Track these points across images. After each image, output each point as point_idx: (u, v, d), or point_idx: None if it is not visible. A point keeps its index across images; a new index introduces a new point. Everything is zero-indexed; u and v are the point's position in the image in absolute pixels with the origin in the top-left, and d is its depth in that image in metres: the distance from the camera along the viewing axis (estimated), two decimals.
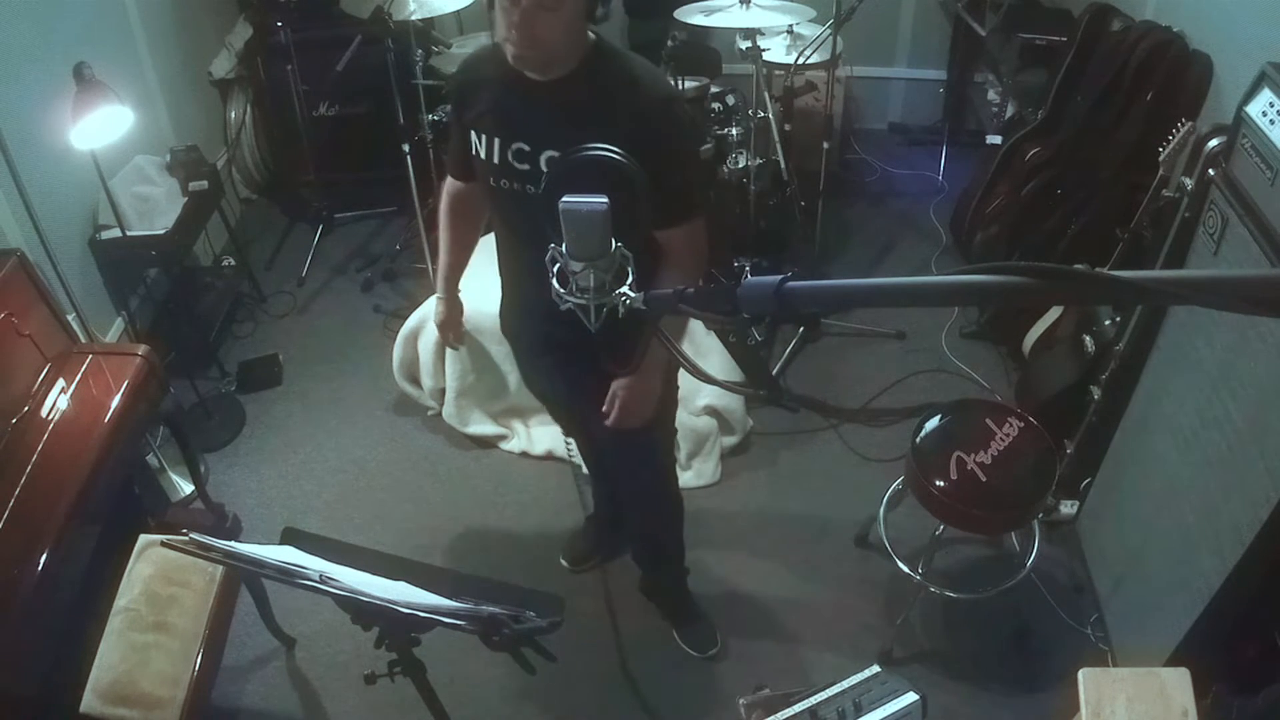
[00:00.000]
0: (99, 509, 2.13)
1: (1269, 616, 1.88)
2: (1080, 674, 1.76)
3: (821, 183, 3.50)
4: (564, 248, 1.02)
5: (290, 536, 1.70)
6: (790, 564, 2.75)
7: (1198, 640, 1.97)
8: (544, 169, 1.70)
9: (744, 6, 3.04)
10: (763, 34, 3.28)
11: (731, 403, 3.07)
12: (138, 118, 2.72)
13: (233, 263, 3.79)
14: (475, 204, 2.03)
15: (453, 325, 2.27)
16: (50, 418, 2.18)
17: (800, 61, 3.36)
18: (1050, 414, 2.56)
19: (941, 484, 2.19)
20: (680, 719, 2.41)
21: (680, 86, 3.21)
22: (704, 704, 2.42)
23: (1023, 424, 2.29)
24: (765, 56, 3.30)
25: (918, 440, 2.30)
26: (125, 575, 2.14)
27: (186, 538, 1.56)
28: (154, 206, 3.21)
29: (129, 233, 2.93)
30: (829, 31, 3.24)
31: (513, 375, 3.07)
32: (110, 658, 2.01)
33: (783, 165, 3.51)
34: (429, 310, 3.09)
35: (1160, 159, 2.20)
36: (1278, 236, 1.76)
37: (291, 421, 3.30)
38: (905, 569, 2.47)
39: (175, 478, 2.96)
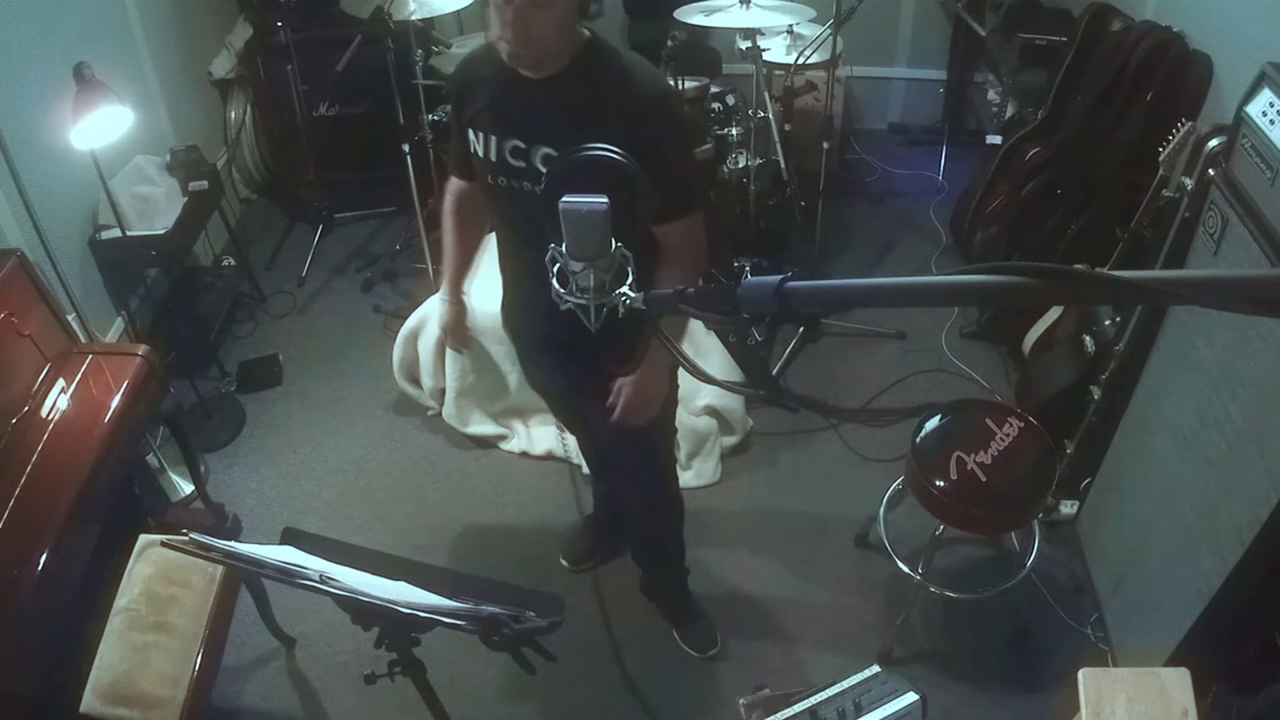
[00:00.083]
0: (99, 509, 2.13)
1: (1269, 616, 1.88)
2: (1080, 674, 1.76)
3: (821, 183, 3.50)
4: (564, 248, 1.02)
5: (290, 536, 1.70)
6: (790, 564, 2.75)
7: (1198, 640, 1.97)
8: (539, 166, 1.71)
9: (744, 6, 3.04)
10: (763, 34, 3.28)
11: (731, 403, 3.07)
12: (138, 118, 2.72)
13: (233, 263, 3.79)
14: (478, 204, 2.03)
15: (458, 329, 2.26)
16: (50, 418, 2.18)
17: (800, 61, 3.36)
18: (1050, 414, 2.56)
19: (941, 484, 2.19)
20: (680, 719, 2.41)
21: (680, 86, 3.21)
22: (704, 704, 2.42)
23: (1023, 424, 2.29)
24: (765, 56, 3.30)
25: (918, 440, 2.30)
26: (125, 575, 2.14)
27: (186, 538, 1.56)
28: (154, 206, 3.21)
29: (129, 233, 2.93)
30: (829, 31, 3.24)
31: (513, 375, 3.07)
32: (110, 658, 2.01)
33: (783, 165, 3.51)
34: (429, 310, 3.10)
35: (1160, 159, 2.20)
36: (1278, 236, 1.76)
37: (291, 421, 3.30)
38: (905, 569, 2.47)
39: (175, 478, 2.96)
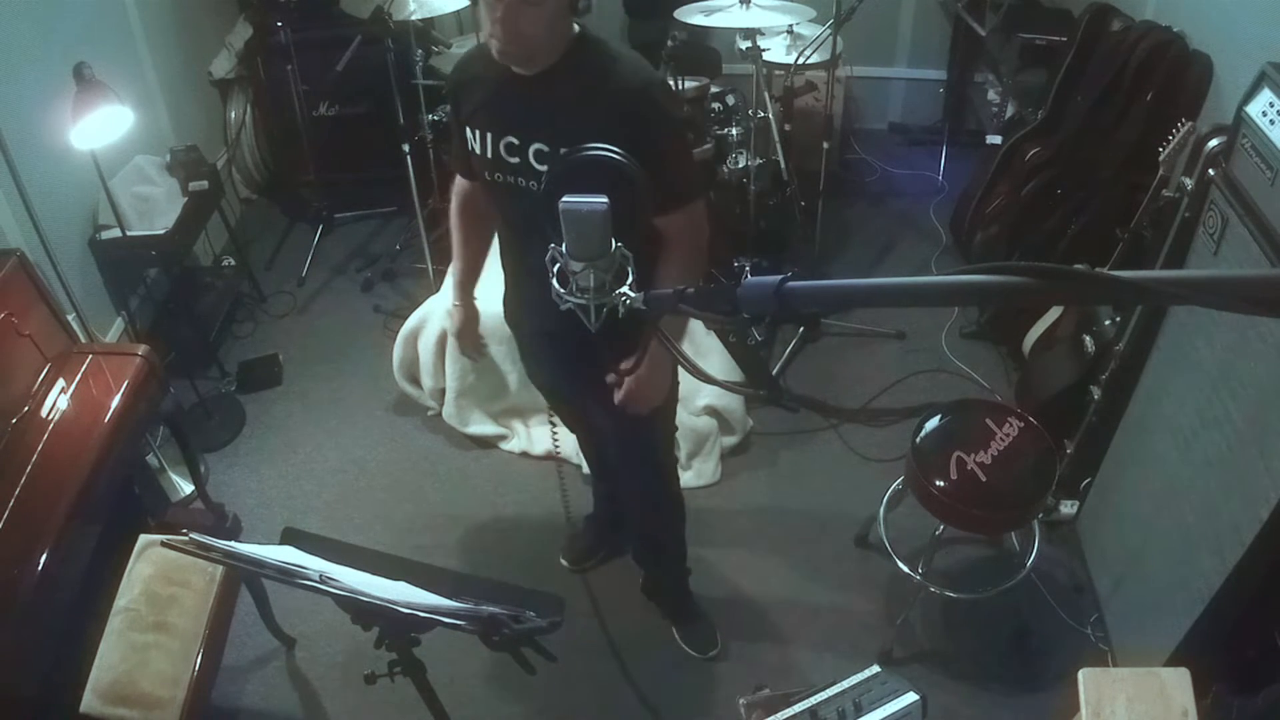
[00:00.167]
0: (99, 509, 2.13)
1: (1269, 616, 1.88)
2: (1080, 674, 1.76)
3: (821, 183, 3.50)
4: (564, 247, 1.02)
5: (290, 536, 1.70)
6: (790, 564, 2.75)
7: (1198, 640, 1.97)
8: (533, 162, 1.73)
9: (744, 6, 3.04)
10: (763, 34, 3.28)
11: (731, 403, 3.07)
12: (138, 118, 2.72)
13: (233, 263, 3.79)
14: (484, 204, 2.03)
15: (470, 334, 2.24)
16: (50, 418, 2.18)
17: (800, 61, 3.36)
18: (1050, 414, 2.56)
19: (941, 484, 2.19)
20: (680, 719, 2.41)
21: (680, 87, 3.21)
22: (704, 704, 2.42)
23: (1023, 424, 2.29)
24: (765, 56, 3.30)
25: (918, 440, 2.30)
26: (125, 575, 2.14)
27: (186, 538, 1.56)
28: (154, 206, 3.21)
29: (129, 233, 2.93)
30: (829, 31, 3.24)
31: (513, 375, 3.07)
32: (110, 658, 2.01)
33: (783, 165, 3.51)
34: (429, 310, 3.10)
35: (1160, 159, 2.20)
36: (1278, 236, 1.76)
37: (291, 421, 3.30)
38: (905, 569, 2.47)
39: (175, 478, 2.96)
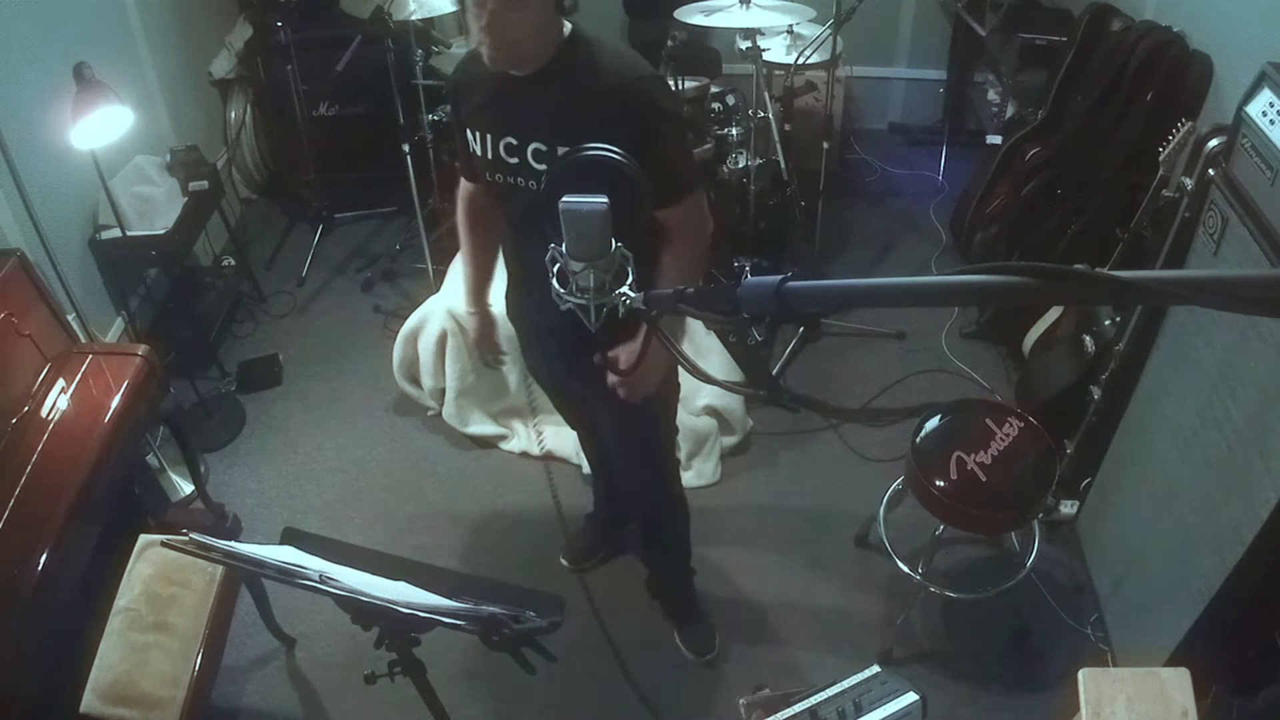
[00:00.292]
0: (99, 509, 2.13)
1: (1269, 616, 1.88)
2: (1080, 674, 1.76)
3: (821, 183, 3.50)
4: (564, 247, 1.02)
5: (290, 536, 1.70)
6: (790, 564, 2.75)
7: (1198, 640, 1.97)
8: (531, 162, 1.73)
9: (744, 6, 3.04)
10: (763, 34, 3.28)
11: (731, 403, 3.07)
12: (138, 118, 2.72)
13: (233, 263, 3.79)
14: (490, 206, 2.03)
15: (488, 340, 2.22)
16: (50, 418, 2.18)
17: (800, 61, 3.36)
18: (1050, 414, 2.56)
19: (941, 484, 2.19)
20: (680, 719, 2.41)
21: (680, 87, 3.21)
22: (704, 704, 2.42)
23: (1023, 424, 2.29)
24: (765, 56, 3.30)
25: (918, 440, 2.29)
26: (125, 575, 2.14)
27: (186, 538, 1.56)
28: (154, 206, 3.21)
29: (129, 233, 2.93)
30: (829, 31, 3.24)
31: (513, 375, 3.07)
32: (110, 658, 2.01)
33: (783, 165, 3.51)
34: (429, 310, 3.10)
35: (1160, 159, 2.20)
36: (1278, 236, 1.76)
37: (291, 421, 3.30)
38: (905, 569, 2.47)
39: (175, 478, 2.96)
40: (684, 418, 2.84)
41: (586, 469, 2.87)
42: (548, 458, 3.10)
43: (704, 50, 3.92)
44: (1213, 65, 2.63)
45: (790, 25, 3.44)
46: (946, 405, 2.41)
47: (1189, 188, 2.12)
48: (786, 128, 3.56)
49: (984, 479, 2.18)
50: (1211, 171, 2.03)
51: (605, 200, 0.99)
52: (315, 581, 1.42)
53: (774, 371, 3.32)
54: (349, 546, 1.72)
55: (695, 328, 3.07)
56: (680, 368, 1.89)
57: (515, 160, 1.76)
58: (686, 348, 3.03)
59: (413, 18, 3.21)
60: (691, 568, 2.55)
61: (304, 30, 3.79)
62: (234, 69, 4.11)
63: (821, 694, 1.70)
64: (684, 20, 3.11)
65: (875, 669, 1.74)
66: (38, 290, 2.35)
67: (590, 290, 1.03)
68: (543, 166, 1.72)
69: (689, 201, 1.78)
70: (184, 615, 2.11)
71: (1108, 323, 2.55)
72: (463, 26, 4.29)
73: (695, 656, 2.50)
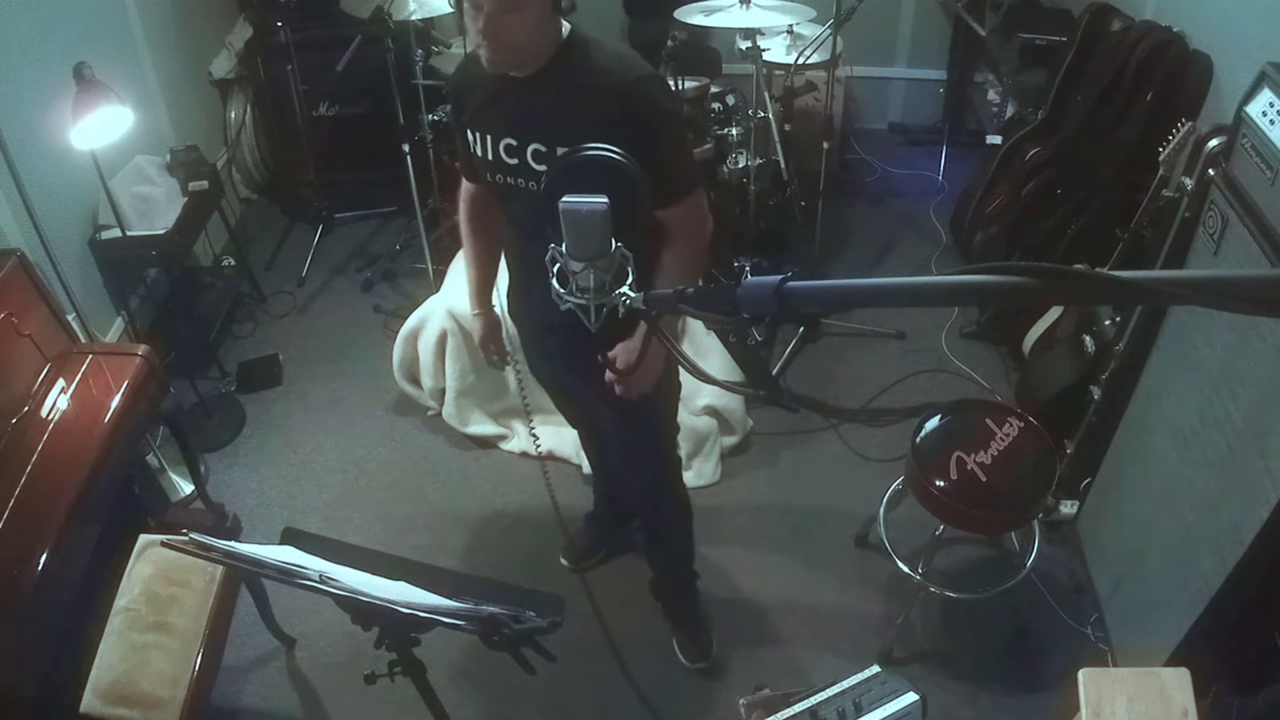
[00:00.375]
0: (99, 509, 2.13)
1: (1269, 616, 1.88)
2: (1080, 674, 1.75)
3: (821, 183, 3.50)
4: (564, 247, 1.02)
5: (290, 536, 1.70)
6: (790, 564, 2.75)
7: (1198, 640, 1.97)
8: (531, 162, 1.73)
9: (744, 6, 3.04)
10: (763, 34, 3.28)
11: (731, 403, 3.07)
12: (138, 118, 2.72)
13: (233, 263, 3.79)
14: (491, 207, 2.03)
15: (494, 340, 2.22)
16: (50, 418, 2.18)
17: (800, 61, 3.36)
18: (1050, 414, 2.56)
19: (941, 484, 2.18)
20: (680, 719, 2.41)
21: (680, 87, 3.21)
22: (704, 704, 2.42)
23: (1023, 424, 2.29)
24: (765, 56, 3.30)
25: (918, 440, 2.29)
26: (125, 575, 2.14)
27: (186, 538, 1.56)
28: (154, 206, 3.21)
29: (129, 233, 2.93)
30: (829, 31, 3.24)
31: (513, 375, 3.07)
32: (110, 658, 2.01)
33: (783, 165, 3.51)
34: (429, 310, 3.10)
35: (1160, 159, 2.20)
36: (1278, 236, 1.76)
37: (291, 421, 3.30)
38: (905, 569, 2.47)
39: (175, 478, 2.96)
40: (684, 417, 2.84)
41: (587, 469, 2.87)
42: (548, 458, 3.10)
43: (704, 50, 3.92)
44: (1213, 65, 2.63)
45: (790, 25, 3.44)
46: (946, 405, 2.41)
47: (1189, 188, 2.12)
48: (786, 128, 3.56)
49: (984, 479, 2.18)
50: (1211, 171, 2.03)
51: (605, 200, 0.99)
52: (315, 581, 1.42)
53: (774, 371, 3.32)
54: (349, 546, 1.72)
55: (695, 328, 3.07)
56: (680, 367, 1.89)
57: (515, 161, 1.76)
58: (686, 348, 3.03)
59: (413, 18, 3.21)
60: (695, 571, 2.53)
61: (304, 30, 3.79)
62: (234, 69, 4.11)
63: (821, 694, 1.70)
64: (684, 20, 3.11)
65: (875, 669, 1.74)
66: (38, 290, 2.35)
67: (590, 290, 1.03)
68: (542, 167, 1.72)
69: (689, 201, 1.78)
70: (184, 615, 2.11)
71: (1108, 323, 2.55)
72: (461, 27, 4.30)
73: (688, 663, 2.50)
